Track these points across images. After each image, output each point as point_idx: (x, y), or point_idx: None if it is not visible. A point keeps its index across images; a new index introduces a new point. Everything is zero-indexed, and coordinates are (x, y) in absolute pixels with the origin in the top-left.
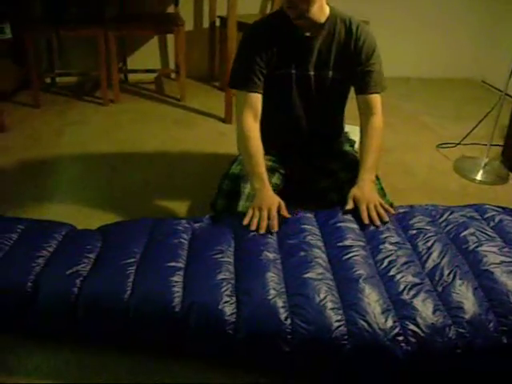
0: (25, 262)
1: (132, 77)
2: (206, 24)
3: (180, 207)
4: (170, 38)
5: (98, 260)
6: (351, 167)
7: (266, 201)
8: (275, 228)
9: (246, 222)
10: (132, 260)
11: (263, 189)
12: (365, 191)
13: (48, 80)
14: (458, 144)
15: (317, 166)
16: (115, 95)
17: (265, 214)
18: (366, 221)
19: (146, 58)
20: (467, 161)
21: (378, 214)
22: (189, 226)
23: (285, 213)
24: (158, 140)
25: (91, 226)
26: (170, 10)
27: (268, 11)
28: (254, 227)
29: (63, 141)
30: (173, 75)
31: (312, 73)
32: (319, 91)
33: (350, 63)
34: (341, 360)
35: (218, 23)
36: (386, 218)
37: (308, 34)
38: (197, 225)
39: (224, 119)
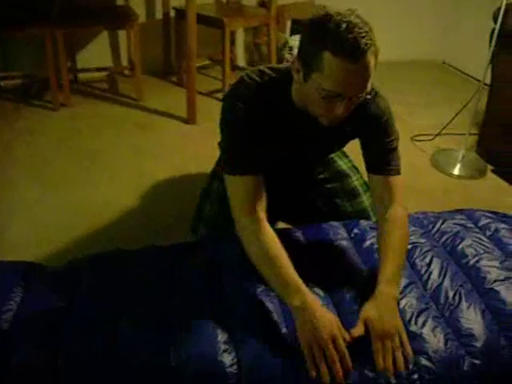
0: None
1: (82, 76)
2: (158, 15)
3: (151, 226)
4: (121, 31)
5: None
6: (337, 177)
7: (323, 327)
8: (351, 369)
9: (313, 374)
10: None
11: (309, 305)
12: (383, 314)
13: None
14: (437, 135)
15: (303, 179)
16: (66, 98)
17: (331, 349)
18: (381, 367)
19: (95, 55)
20: (444, 154)
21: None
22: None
23: (346, 336)
24: (120, 147)
25: (51, 252)
26: (120, 1)
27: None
28: (326, 379)
29: (16, 155)
30: (126, 72)
31: (312, 150)
32: (316, 158)
33: (363, 139)
34: None
35: (172, 14)
36: (402, 368)
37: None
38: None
39: (187, 120)
